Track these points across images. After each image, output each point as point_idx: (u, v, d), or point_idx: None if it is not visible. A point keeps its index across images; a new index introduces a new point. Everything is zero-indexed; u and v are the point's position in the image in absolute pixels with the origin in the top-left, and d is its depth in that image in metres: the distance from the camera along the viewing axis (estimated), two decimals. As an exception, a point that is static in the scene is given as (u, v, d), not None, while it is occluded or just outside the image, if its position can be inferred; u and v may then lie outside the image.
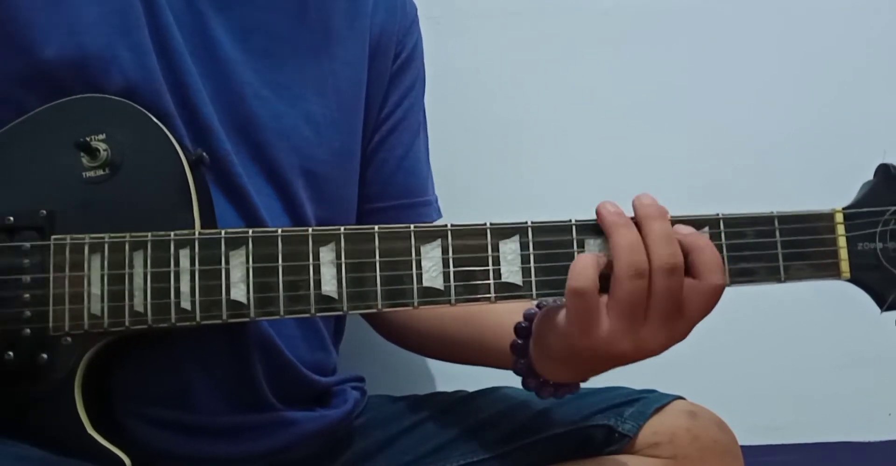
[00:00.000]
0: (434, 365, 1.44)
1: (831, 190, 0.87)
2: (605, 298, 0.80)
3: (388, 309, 0.83)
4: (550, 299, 0.89)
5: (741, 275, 0.83)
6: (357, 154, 1.10)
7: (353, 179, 1.10)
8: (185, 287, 0.83)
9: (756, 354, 1.50)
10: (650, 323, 0.79)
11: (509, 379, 1.08)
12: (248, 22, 1.00)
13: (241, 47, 0.99)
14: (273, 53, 1.01)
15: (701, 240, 0.80)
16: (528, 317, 0.92)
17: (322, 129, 1.04)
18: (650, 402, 1.04)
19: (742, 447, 1.03)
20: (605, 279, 0.80)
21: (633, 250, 0.79)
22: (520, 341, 0.93)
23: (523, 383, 0.95)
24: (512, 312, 0.95)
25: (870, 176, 0.86)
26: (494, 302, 0.83)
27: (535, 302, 0.92)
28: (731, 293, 0.82)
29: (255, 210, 0.97)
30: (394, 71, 1.15)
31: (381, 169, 1.15)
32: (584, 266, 0.79)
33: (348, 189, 1.10)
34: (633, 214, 0.82)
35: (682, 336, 0.82)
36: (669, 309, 0.79)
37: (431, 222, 1.17)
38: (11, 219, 0.84)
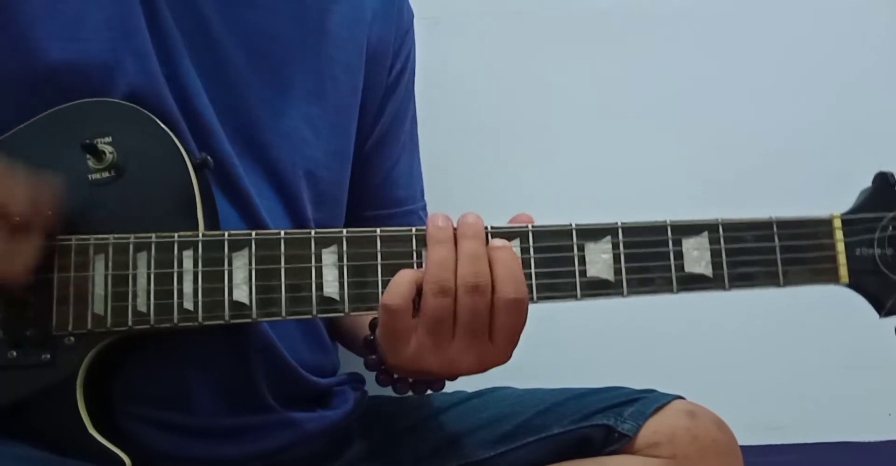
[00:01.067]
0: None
1: (834, 193, 0.87)
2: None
3: None
4: None
5: (740, 280, 0.84)
6: (350, 158, 1.10)
7: (345, 182, 1.11)
8: (188, 288, 0.83)
9: (756, 354, 1.50)
10: (457, 341, 0.80)
11: (509, 380, 1.09)
12: (249, 24, 1.00)
13: (243, 49, 0.99)
14: (273, 56, 1.02)
15: (499, 253, 0.81)
16: None
17: (321, 131, 1.04)
18: (650, 402, 1.04)
19: (742, 447, 1.03)
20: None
21: (440, 267, 0.80)
22: (372, 336, 0.93)
23: (377, 379, 0.95)
24: None
25: (871, 177, 0.87)
26: (493, 304, 0.83)
27: None
28: (730, 294, 0.83)
29: (256, 211, 0.97)
30: (389, 83, 1.15)
31: (369, 180, 1.16)
32: (400, 282, 0.80)
33: (342, 191, 1.10)
34: None
35: (498, 357, 0.82)
36: (475, 328, 0.80)
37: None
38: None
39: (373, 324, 0.92)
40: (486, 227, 0.83)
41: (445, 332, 0.80)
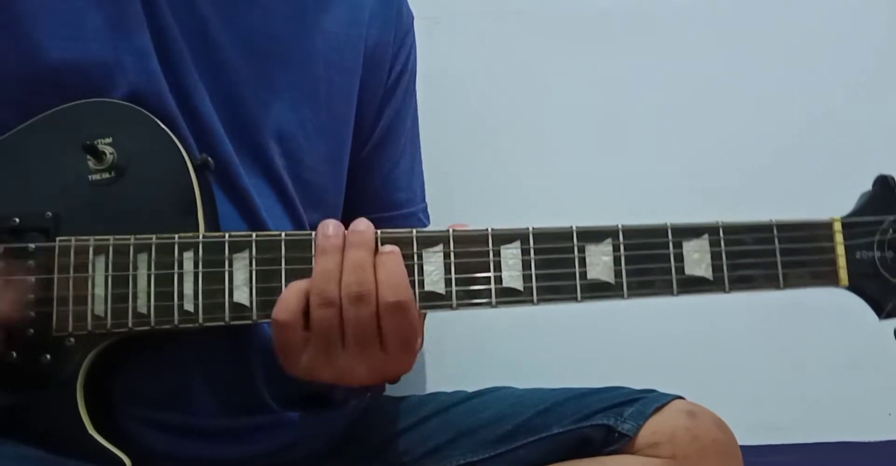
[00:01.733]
0: (434, 365, 1.45)
1: (834, 195, 0.88)
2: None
3: None
4: None
5: (740, 282, 0.84)
6: (345, 162, 1.10)
7: (339, 186, 1.10)
8: (188, 289, 0.84)
9: (756, 354, 1.50)
10: (347, 352, 0.81)
11: (509, 380, 1.09)
12: (248, 25, 1.00)
13: (241, 50, 0.99)
14: (270, 56, 1.02)
15: (382, 258, 0.81)
16: None
17: (311, 135, 1.04)
18: (650, 402, 1.04)
19: (742, 447, 1.03)
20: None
21: (324, 278, 0.80)
22: None
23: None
24: None
25: (871, 180, 0.87)
26: (495, 307, 0.83)
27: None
28: (731, 294, 0.83)
29: (256, 210, 0.97)
30: (388, 86, 1.15)
31: (369, 182, 1.16)
32: (288, 296, 0.81)
33: (335, 195, 1.10)
34: None
35: (396, 364, 0.83)
36: (364, 338, 0.80)
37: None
38: (17, 220, 0.85)
39: None
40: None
41: (334, 343, 0.80)
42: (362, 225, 0.83)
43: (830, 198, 0.87)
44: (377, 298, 0.80)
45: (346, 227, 0.98)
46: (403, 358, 0.82)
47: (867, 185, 0.87)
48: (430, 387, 1.43)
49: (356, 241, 0.81)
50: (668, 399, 1.05)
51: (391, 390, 1.20)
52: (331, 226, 0.83)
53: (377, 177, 1.17)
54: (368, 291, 0.79)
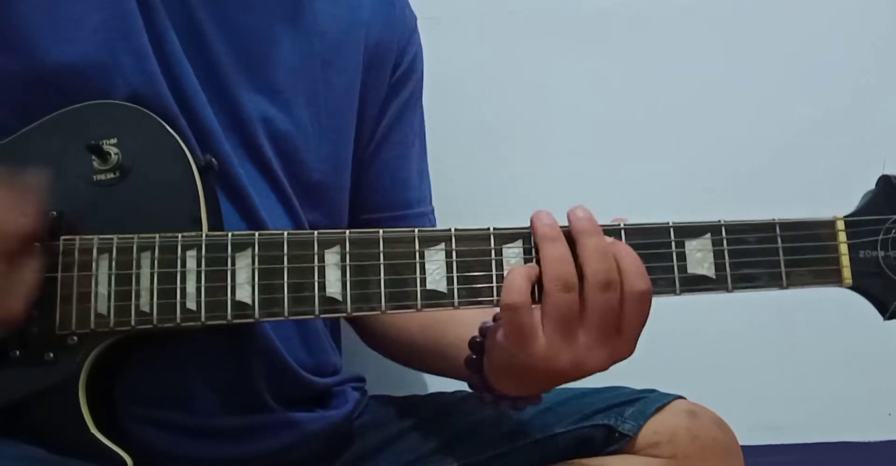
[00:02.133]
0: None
1: (837, 195, 0.88)
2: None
3: (392, 312, 0.83)
4: None
5: (743, 281, 0.84)
6: (347, 162, 1.10)
7: (342, 186, 1.10)
8: (191, 288, 0.84)
9: (756, 354, 1.50)
10: (588, 338, 0.80)
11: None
12: (242, 26, 1.00)
13: (235, 52, 0.99)
14: (266, 58, 1.02)
15: (618, 248, 0.81)
16: (483, 332, 0.92)
17: (311, 136, 1.04)
18: (650, 402, 1.04)
19: (742, 447, 1.03)
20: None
21: (562, 263, 0.80)
22: (474, 356, 0.93)
23: (480, 398, 0.94)
24: (473, 326, 0.94)
25: (874, 179, 0.87)
26: (497, 306, 0.83)
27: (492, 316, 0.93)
28: (731, 294, 0.83)
29: (256, 210, 0.97)
30: (392, 83, 1.15)
31: (376, 181, 1.16)
32: (515, 280, 0.79)
33: (338, 195, 1.10)
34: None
35: (626, 351, 0.82)
36: (608, 324, 0.80)
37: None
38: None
39: (473, 344, 0.93)
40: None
41: (573, 328, 0.79)
42: (584, 211, 0.82)
43: (833, 198, 0.87)
44: (622, 285, 0.80)
45: (348, 227, 0.99)
46: (633, 343, 0.82)
47: (870, 184, 0.87)
48: (430, 387, 1.43)
49: (591, 229, 0.81)
50: (669, 399, 1.05)
51: (391, 390, 1.21)
52: (545, 215, 0.82)
53: (386, 175, 1.16)
54: (616, 278, 0.79)
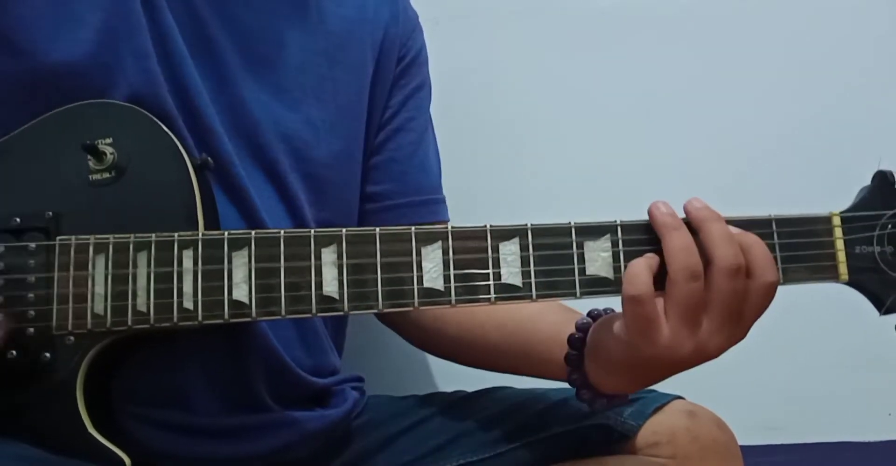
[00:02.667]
0: (434, 365, 1.45)
1: (833, 191, 0.88)
2: (660, 302, 0.80)
3: (389, 310, 0.83)
4: (601, 309, 0.91)
5: (741, 277, 0.84)
6: (358, 158, 1.10)
7: (353, 182, 1.11)
8: (187, 287, 0.83)
9: (756, 354, 1.48)
10: (711, 325, 0.80)
11: (509, 380, 1.09)
12: (247, 26, 1.01)
13: (241, 52, 1.00)
14: (272, 57, 1.02)
15: (750, 238, 0.81)
16: (582, 328, 0.92)
17: (321, 133, 1.04)
18: (649, 402, 1.04)
19: (742, 447, 1.03)
20: (658, 282, 0.80)
21: (688, 253, 0.79)
22: (574, 352, 0.93)
23: (577, 394, 0.94)
24: (562, 323, 0.95)
25: (869, 176, 0.87)
26: (494, 304, 0.83)
27: (586, 313, 0.93)
28: (731, 294, 0.83)
29: (256, 211, 0.97)
30: (398, 73, 1.15)
31: (391, 167, 1.15)
32: (638, 272, 0.79)
33: (349, 192, 1.10)
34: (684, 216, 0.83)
35: (741, 337, 0.82)
36: (732, 310, 0.80)
37: (445, 221, 1.18)
38: (18, 220, 0.85)
39: (573, 341, 0.93)
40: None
41: (698, 316, 0.79)
42: (699, 202, 0.83)
43: (829, 194, 0.87)
44: (753, 275, 0.80)
45: (353, 225, 0.99)
46: (747, 330, 0.82)
47: (866, 181, 0.87)
48: (430, 387, 1.43)
49: (714, 216, 0.81)
50: (668, 399, 1.05)
51: (391, 390, 1.21)
52: (663, 205, 0.82)
53: (401, 161, 1.16)
54: (743, 263, 0.79)
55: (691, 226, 0.81)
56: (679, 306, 0.79)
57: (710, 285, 0.79)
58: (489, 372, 1.04)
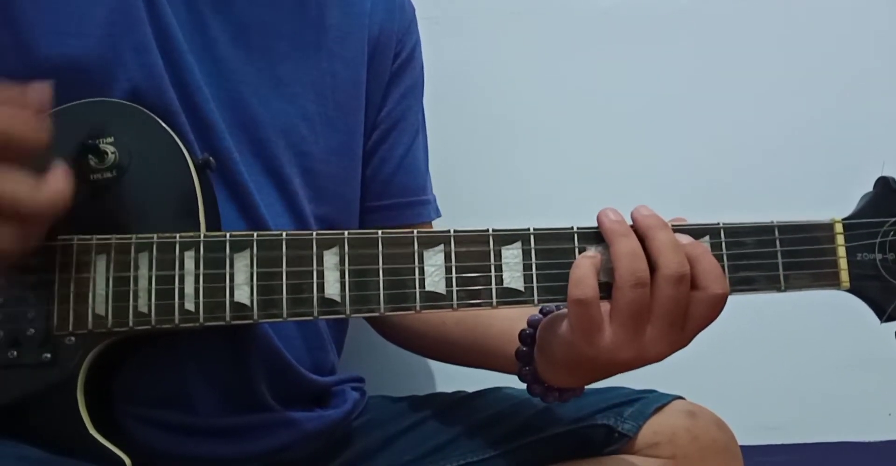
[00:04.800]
0: (434, 365, 1.45)
1: (835, 196, 0.88)
2: (607, 306, 0.80)
3: (391, 313, 0.83)
4: (553, 305, 0.90)
5: (741, 284, 0.84)
6: (357, 153, 1.10)
7: (353, 178, 1.11)
8: (189, 288, 0.83)
9: (756, 354, 1.50)
10: (653, 331, 0.80)
11: (509, 380, 1.09)
12: (246, 20, 1.00)
13: (239, 45, 0.99)
14: (271, 51, 1.02)
15: (700, 249, 0.81)
16: (532, 324, 0.93)
17: (319, 128, 1.04)
18: (650, 402, 1.05)
19: (742, 447, 1.04)
20: (608, 286, 0.81)
21: (633, 258, 0.79)
22: (524, 348, 0.93)
23: (528, 389, 0.95)
24: (516, 319, 0.95)
25: (872, 179, 0.87)
26: (496, 307, 0.83)
27: (538, 309, 0.93)
28: (730, 296, 0.83)
29: (256, 207, 0.97)
30: (394, 70, 1.15)
31: (381, 168, 1.15)
32: (584, 274, 0.79)
33: (348, 187, 1.10)
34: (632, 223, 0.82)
35: (683, 344, 0.82)
36: (674, 318, 0.80)
37: (430, 221, 1.19)
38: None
39: (524, 337, 0.93)
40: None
41: (642, 322, 0.79)
42: (647, 209, 0.82)
43: (831, 200, 0.87)
44: (700, 285, 0.80)
45: (353, 221, 0.98)
46: (691, 338, 0.82)
47: (868, 187, 0.87)
48: (430, 387, 1.43)
49: (660, 223, 0.81)
50: (669, 399, 1.05)
51: (391, 390, 1.21)
52: (612, 212, 0.82)
53: (391, 162, 1.16)
54: (688, 271, 0.79)
55: (639, 233, 0.81)
56: (623, 311, 0.79)
57: (654, 293, 0.79)
58: (489, 372, 1.05)
